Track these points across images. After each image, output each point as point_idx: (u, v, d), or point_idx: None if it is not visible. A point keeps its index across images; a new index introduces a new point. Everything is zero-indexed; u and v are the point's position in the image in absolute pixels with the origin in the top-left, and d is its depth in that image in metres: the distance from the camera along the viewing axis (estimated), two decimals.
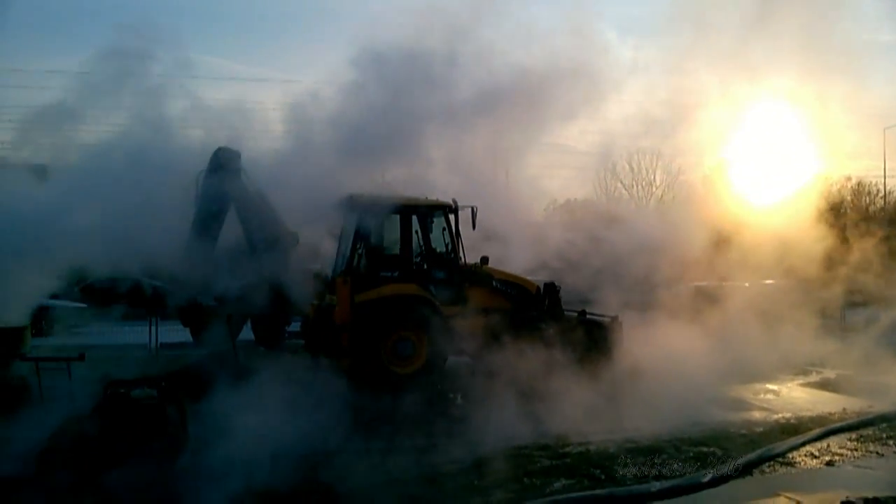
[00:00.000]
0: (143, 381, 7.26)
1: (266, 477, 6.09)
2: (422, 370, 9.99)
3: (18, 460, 6.35)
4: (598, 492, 5.97)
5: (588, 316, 10.89)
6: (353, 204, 10.25)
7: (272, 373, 10.01)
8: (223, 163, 10.43)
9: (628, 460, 6.86)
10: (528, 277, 11.11)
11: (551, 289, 10.97)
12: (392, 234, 10.59)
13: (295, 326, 12.13)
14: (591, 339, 10.28)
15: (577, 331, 10.32)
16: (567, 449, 7.26)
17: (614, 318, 10.71)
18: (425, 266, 10.47)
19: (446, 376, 10.45)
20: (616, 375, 9.36)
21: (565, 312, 10.87)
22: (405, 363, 9.99)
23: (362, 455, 6.84)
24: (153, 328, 13.28)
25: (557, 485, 6.19)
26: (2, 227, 9.61)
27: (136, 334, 13.58)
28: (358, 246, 10.19)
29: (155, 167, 9.67)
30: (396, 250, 10.52)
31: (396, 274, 10.24)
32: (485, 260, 10.77)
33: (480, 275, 10.63)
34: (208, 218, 10.45)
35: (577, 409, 8.16)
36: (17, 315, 10.13)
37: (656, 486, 6.02)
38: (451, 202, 10.47)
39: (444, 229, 10.63)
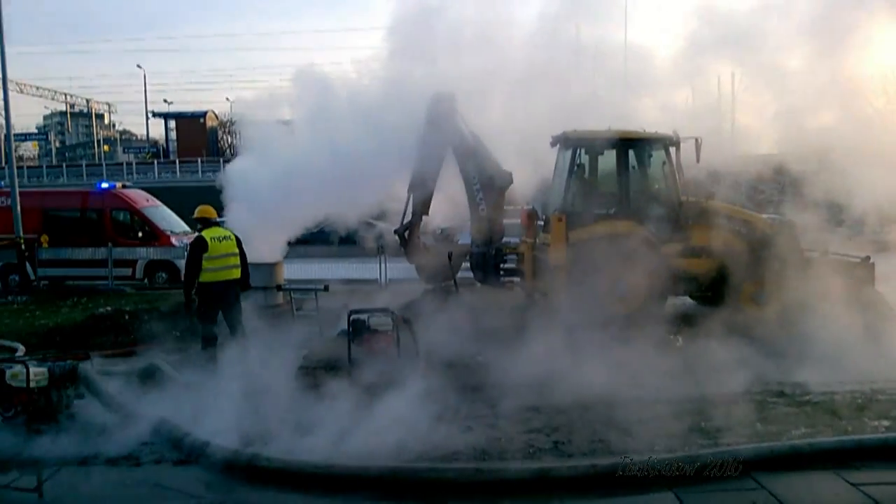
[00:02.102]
0: (379, 310, 7.94)
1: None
2: (639, 311, 9.73)
3: (280, 372, 7.30)
4: None
5: (832, 256, 9.80)
6: (567, 140, 10.11)
7: (486, 306, 10.47)
8: (440, 106, 10.76)
9: (879, 411, 6.17)
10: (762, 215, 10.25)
11: (786, 226, 10.02)
12: (608, 170, 10.29)
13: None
14: (835, 281, 9.25)
15: (817, 273, 9.35)
16: (807, 398, 6.71)
17: (865, 259, 9.53)
18: (643, 203, 10.07)
19: (666, 318, 10.09)
20: (865, 321, 8.37)
21: (804, 252, 9.88)
22: (622, 303, 9.80)
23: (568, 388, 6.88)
24: (383, 265, 14.46)
25: (796, 433, 5.76)
26: (259, 175, 10.94)
27: (368, 270, 14.86)
28: (572, 183, 10.06)
29: (381, 114, 10.33)
30: (613, 187, 10.23)
31: (613, 211, 9.98)
32: (710, 195, 10.09)
33: (705, 211, 10.00)
34: (429, 161, 10.93)
35: (818, 358, 7.48)
36: (272, 252, 11.59)
37: None
38: (671, 134, 9.90)
39: (663, 163, 10.11)
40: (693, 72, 11.28)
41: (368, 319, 7.84)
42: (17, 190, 16.55)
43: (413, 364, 7.44)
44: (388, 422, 5.86)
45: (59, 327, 10.61)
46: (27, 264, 15.95)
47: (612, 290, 9.72)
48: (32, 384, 6.19)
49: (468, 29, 11.05)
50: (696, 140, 9.59)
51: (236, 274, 8.56)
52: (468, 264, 11.63)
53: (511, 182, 11.05)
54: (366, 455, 5.25)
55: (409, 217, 11.36)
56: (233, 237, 8.64)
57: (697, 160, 9.71)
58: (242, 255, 8.67)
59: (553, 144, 10.37)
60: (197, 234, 8.61)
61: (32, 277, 16.04)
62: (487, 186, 10.98)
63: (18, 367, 6.24)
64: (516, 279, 11.24)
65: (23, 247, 15.86)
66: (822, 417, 6.16)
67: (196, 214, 8.80)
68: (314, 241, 15.34)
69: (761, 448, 5.28)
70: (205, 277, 8.36)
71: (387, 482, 4.87)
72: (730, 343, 7.89)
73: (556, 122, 10.16)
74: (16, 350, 9.19)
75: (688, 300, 10.93)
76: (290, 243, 11.82)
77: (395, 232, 11.60)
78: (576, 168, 10.12)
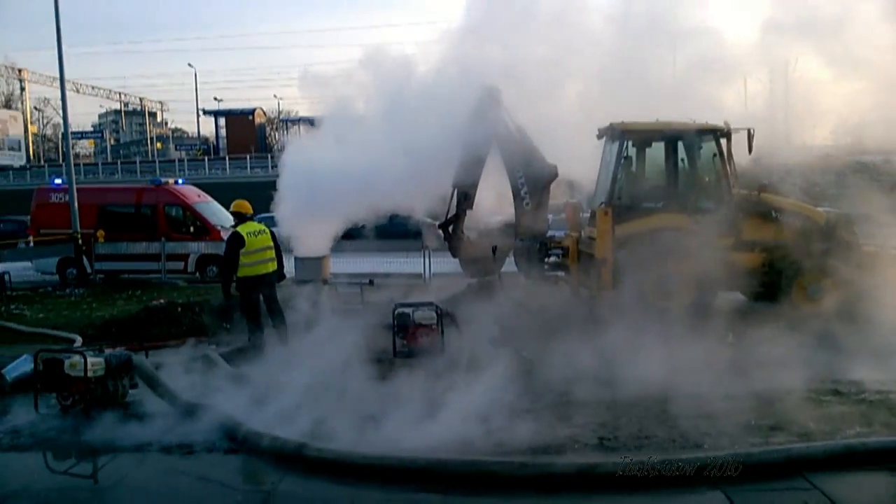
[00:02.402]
0: (423, 304, 7.98)
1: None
2: (689, 306, 9.53)
3: (328, 364, 7.40)
4: None
5: (890, 250, 9.43)
6: (614, 132, 9.96)
7: (530, 301, 10.42)
8: (485, 100, 10.71)
9: None
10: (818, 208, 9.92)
11: (843, 219, 9.68)
12: (656, 162, 10.11)
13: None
14: (893, 276, 8.91)
15: (874, 267, 9.02)
16: (863, 396, 6.48)
17: None
18: (693, 196, 9.86)
19: (716, 313, 9.86)
20: None
21: (862, 246, 9.53)
22: (670, 298, 9.61)
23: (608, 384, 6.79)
24: (427, 259, 14.52)
25: (851, 432, 5.57)
26: (309, 173, 11.07)
27: (412, 264, 14.94)
28: (619, 176, 9.91)
29: (427, 109, 10.34)
30: (661, 179, 10.04)
31: (661, 204, 9.80)
32: (763, 187, 9.81)
33: (757, 204, 9.73)
34: (473, 155, 10.89)
35: (874, 355, 7.22)
36: (319, 248, 11.75)
37: None
38: (722, 125, 9.66)
39: (714, 155, 9.87)
40: (753, 59, 10.94)
41: (413, 313, 7.88)
42: (75, 186, 17.14)
43: (457, 357, 7.45)
44: (433, 415, 5.89)
45: (114, 319, 10.95)
46: (84, 258, 16.55)
47: (660, 284, 9.56)
48: (90, 374, 6.41)
49: (519, 19, 10.90)
50: (749, 131, 9.35)
51: (273, 267, 8.77)
52: (512, 258, 11.58)
53: (556, 175, 10.94)
54: (411, 447, 5.29)
55: (453, 211, 11.36)
56: (267, 231, 8.84)
57: (750, 151, 9.47)
58: (277, 248, 8.87)
59: (600, 136, 10.24)
60: (232, 229, 8.77)
61: (89, 271, 16.63)
62: (532, 180, 10.90)
63: (77, 358, 6.48)
64: (561, 273, 11.15)
65: (80, 241, 16.45)
66: (877, 416, 5.94)
67: (231, 209, 9.02)
68: (358, 235, 15.55)
69: (814, 447, 5.13)
70: (243, 272, 8.55)
71: (434, 474, 4.88)
72: (783, 339, 7.68)
73: (604, 114, 10.00)
74: (73, 341, 9.54)
75: (739, 295, 10.66)
76: (345, 236, 11.98)
77: (439, 226, 11.61)
78: (623, 160, 9.96)
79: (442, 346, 7.77)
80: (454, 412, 5.89)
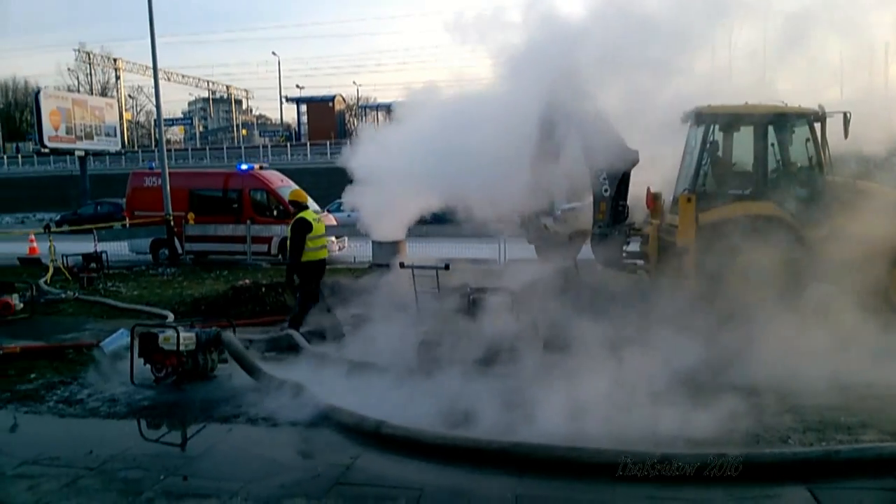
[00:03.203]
0: (498, 289, 7.97)
1: None
2: (775, 298, 9.14)
3: (405, 350, 7.53)
4: None
5: None
6: (699, 116, 9.62)
7: (607, 289, 10.23)
8: (563, 83, 10.52)
9: None
10: None
11: None
12: (744, 147, 9.70)
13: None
14: None
15: None
16: None
17: None
18: (783, 183, 9.42)
19: (805, 306, 9.42)
20: None
21: None
22: (756, 290, 9.24)
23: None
24: (502, 245, 14.51)
25: None
26: (388, 154, 11.21)
27: (487, 250, 14.96)
28: (704, 162, 9.58)
29: (502, 94, 10.26)
30: (748, 166, 9.64)
31: (748, 191, 9.41)
32: (860, 175, 9.27)
33: (854, 193, 9.21)
34: (550, 139, 10.76)
35: None
36: (395, 232, 11.91)
37: None
38: (816, 109, 9.17)
39: (807, 140, 9.39)
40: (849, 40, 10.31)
41: (487, 298, 7.88)
42: (167, 171, 18.00)
43: (531, 343, 7.43)
44: (503, 398, 5.93)
45: (203, 297, 11.48)
46: (175, 239, 17.40)
47: (745, 275, 9.20)
48: (182, 348, 6.77)
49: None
50: (845, 115, 8.83)
51: (326, 252, 9.24)
52: (589, 245, 11.40)
53: (637, 161, 10.65)
54: (480, 430, 5.34)
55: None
56: (321, 218, 9.26)
57: (846, 136, 8.95)
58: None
59: (684, 121, 9.91)
60: (296, 217, 9.02)
61: (180, 252, 17.49)
62: (611, 165, 10.66)
63: (170, 332, 6.85)
64: (640, 262, 10.91)
65: (172, 223, 17.30)
66: None
67: (289, 198, 9.43)
68: (434, 220, 15.65)
69: None
70: (307, 256, 8.85)
71: (507, 457, 4.91)
72: (878, 332, 7.28)
73: (688, 97, 9.66)
74: (166, 317, 10.06)
75: (830, 287, 10.14)
76: (424, 221, 12.11)
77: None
78: (708, 146, 9.62)
79: (516, 331, 7.73)
80: (521, 398, 5.90)
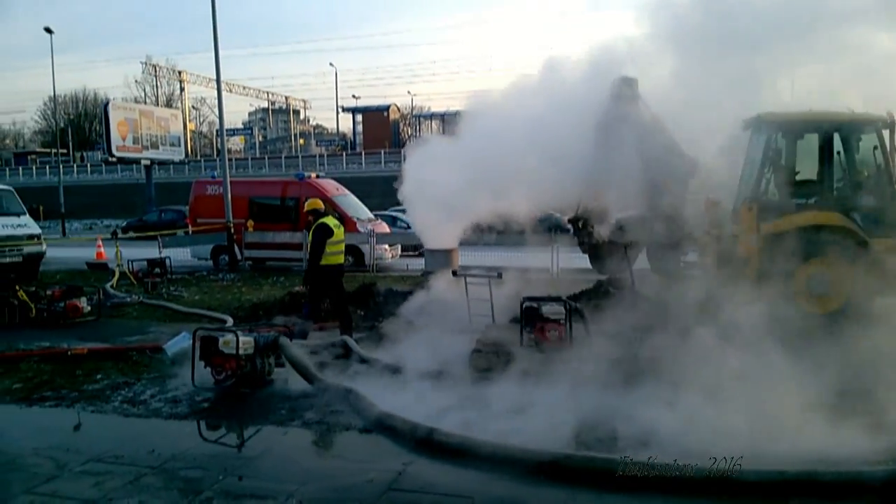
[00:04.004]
0: (551, 298, 7.91)
1: None
2: (840, 312, 8.81)
3: (457, 358, 7.55)
4: None
5: None
6: (760, 123, 9.37)
7: (664, 299, 9.99)
8: (621, 91, 10.42)
9: None
10: None
11: None
12: (808, 155, 9.40)
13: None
14: None
15: None
16: None
17: None
18: (849, 192, 9.08)
19: (871, 319, 9.02)
20: None
21: None
22: (820, 303, 8.93)
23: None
24: (555, 254, 14.40)
25: None
26: (438, 167, 11.29)
27: (540, 259, 14.86)
28: (766, 170, 9.32)
29: (557, 102, 10.21)
30: (812, 174, 9.33)
31: (813, 201, 9.11)
32: None
33: None
34: (606, 146, 10.63)
35: None
36: (448, 240, 11.97)
37: None
38: (885, 115, 8.82)
39: (875, 148, 9.04)
40: None
41: (541, 307, 7.83)
42: (229, 180, 18.53)
43: (584, 354, 7.34)
44: (554, 408, 5.88)
45: (261, 303, 11.75)
46: (235, 246, 17.89)
47: (809, 287, 8.90)
48: (241, 351, 6.93)
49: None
50: None
51: (343, 258, 9.66)
52: (645, 255, 11.22)
53: (696, 169, 10.44)
54: (530, 438, 5.31)
55: (584, 205, 11.15)
56: (342, 224, 9.57)
57: None
58: None
59: (745, 128, 9.67)
60: (317, 222, 9.34)
61: (239, 258, 17.97)
62: (669, 174, 10.47)
63: (230, 336, 7.03)
64: (698, 272, 10.66)
65: (232, 231, 17.80)
66: None
67: (307, 207, 9.80)
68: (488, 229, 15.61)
69: None
70: (326, 260, 9.20)
71: (559, 468, 4.85)
72: None
73: (750, 103, 9.41)
74: (226, 321, 10.32)
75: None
76: (482, 230, 12.17)
77: (569, 220, 11.45)
78: (770, 153, 9.36)
79: (569, 341, 7.67)
80: (575, 408, 5.83)
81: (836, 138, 9.14)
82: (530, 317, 7.76)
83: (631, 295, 9.91)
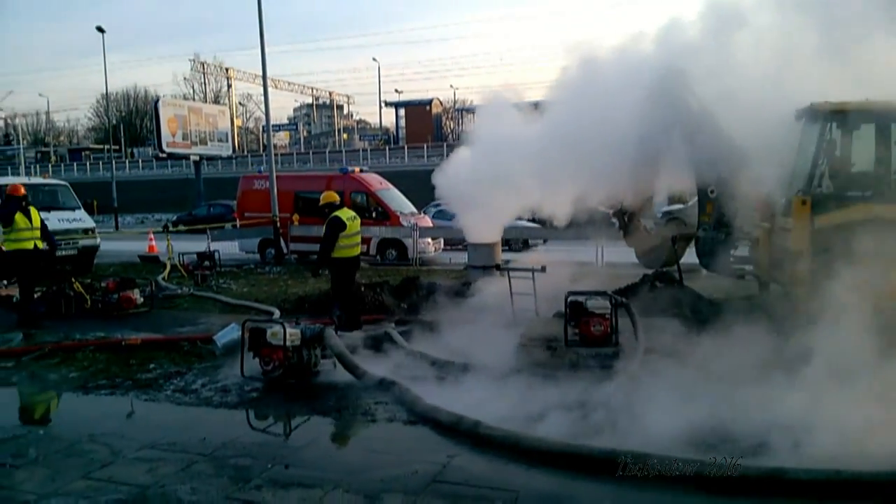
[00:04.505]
0: (597, 293, 7.82)
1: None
2: None
3: (501, 352, 7.54)
4: None
5: None
6: (814, 113, 9.06)
7: (713, 295, 9.80)
8: (669, 80, 10.20)
9: None
10: None
11: None
12: (865, 146, 9.07)
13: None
14: None
15: None
16: None
17: None
18: None
19: None
20: None
21: None
22: (878, 300, 8.59)
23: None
24: (599, 247, 14.24)
25: None
26: (481, 160, 11.25)
27: (584, 252, 14.72)
28: (820, 162, 9.02)
29: (606, 91, 10.06)
30: (869, 166, 8.99)
31: (869, 194, 8.78)
32: None
33: None
34: (653, 138, 10.45)
35: None
36: (490, 234, 11.93)
37: None
38: None
39: None
40: None
41: (586, 302, 7.75)
42: (275, 175, 18.82)
43: (630, 349, 7.25)
44: (601, 405, 5.82)
45: (307, 296, 11.90)
46: (281, 240, 18.18)
47: (865, 283, 8.58)
48: (288, 343, 7.05)
49: None
50: None
51: (359, 251, 9.84)
52: (693, 249, 10.98)
53: (746, 160, 10.17)
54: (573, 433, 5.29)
55: (629, 198, 10.99)
56: (358, 218, 9.75)
57: None
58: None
59: (798, 118, 9.37)
60: (331, 215, 9.49)
61: (285, 251, 18.24)
62: (718, 165, 10.22)
63: (277, 327, 7.15)
64: (749, 267, 10.40)
65: (278, 224, 18.08)
66: None
67: (322, 201, 9.93)
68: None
69: None
70: (339, 253, 9.37)
71: (602, 464, 4.80)
72: None
73: (803, 93, 9.10)
74: (272, 313, 10.50)
75: None
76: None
77: (614, 213, 11.30)
78: (825, 145, 9.05)
79: (615, 336, 7.58)
80: (620, 403, 5.76)
81: (895, 129, 8.79)
82: (575, 311, 7.70)
83: (679, 290, 9.73)
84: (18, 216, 10.44)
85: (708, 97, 9.94)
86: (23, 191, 10.78)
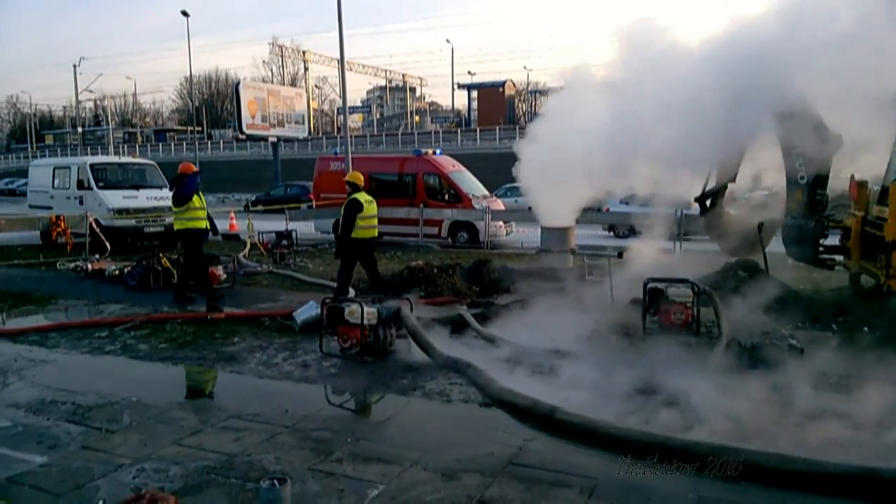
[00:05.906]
0: (678, 280, 7.62)
1: None
2: None
3: (575, 338, 7.47)
4: None
5: None
6: None
7: (801, 286, 9.39)
8: (761, 62, 9.74)
9: None
10: None
11: None
12: None
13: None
14: None
15: None
16: None
17: None
18: None
19: None
20: None
21: None
22: None
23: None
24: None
25: None
26: (556, 142, 11.08)
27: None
28: None
29: (689, 71, 9.70)
30: None
31: None
32: None
33: None
34: (739, 122, 10.03)
35: None
36: (565, 218, 11.78)
37: None
38: None
39: None
40: None
41: (666, 289, 7.56)
42: (350, 157, 19.11)
43: (713, 340, 7.03)
44: (678, 393, 5.68)
45: (380, 276, 12.05)
46: None
47: None
48: (365, 322, 7.18)
49: None
50: None
51: (376, 232, 10.22)
52: (780, 238, 10.52)
53: (840, 146, 9.62)
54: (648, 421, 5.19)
55: (711, 183, 10.61)
56: (374, 201, 10.02)
57: None
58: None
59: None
60: (349, 197, 9.80)
61: None
62: (809, 150, 9.72)
63: (355, 306, 7.30)
64: (839, 257, 9.90)
65: None
66: None
67: (347, 179, 10.17)
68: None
69: None
70: (356, 234, 9.72)
71: (681, 454, 4.69)
72: None
73: None
74: (348, 292, 10.70)
75: None
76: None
77: (696, 199, 10.93)
78: None
79: (697, 326, 7.37)
80: (699, 398, 5.60)
81: None
82: (654, 299, 7.52)
83: (765, 279, 9.36)
84: (195, 195, 10.36)
85: (803, 79, 9.45)
86: (195, 168, 10.67)
